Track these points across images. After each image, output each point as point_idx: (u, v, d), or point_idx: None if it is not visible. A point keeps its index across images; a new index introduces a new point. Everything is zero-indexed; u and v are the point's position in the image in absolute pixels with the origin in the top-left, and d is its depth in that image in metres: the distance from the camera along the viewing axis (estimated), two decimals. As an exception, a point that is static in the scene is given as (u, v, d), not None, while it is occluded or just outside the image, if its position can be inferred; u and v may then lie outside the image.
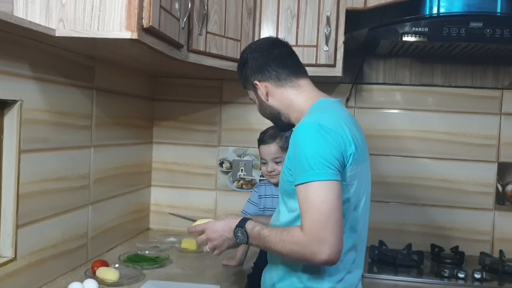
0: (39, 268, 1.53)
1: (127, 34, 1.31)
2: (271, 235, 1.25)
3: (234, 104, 2.34)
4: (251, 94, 1.48)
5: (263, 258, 1.56)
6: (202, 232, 1.43)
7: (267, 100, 1.42)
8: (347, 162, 1.23)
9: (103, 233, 1.95)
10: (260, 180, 2.22)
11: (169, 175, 2.41)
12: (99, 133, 1.87)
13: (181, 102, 2.39)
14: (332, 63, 1.92)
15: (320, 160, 1.18)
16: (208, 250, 1.41)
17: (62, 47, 1.56)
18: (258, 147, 1.82)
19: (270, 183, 1.85)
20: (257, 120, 2.22)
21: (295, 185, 1.21)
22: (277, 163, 1.78)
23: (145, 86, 2.34)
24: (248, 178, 2.33)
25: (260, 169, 1.90)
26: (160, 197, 2.43)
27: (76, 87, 1.70)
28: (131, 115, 2.18)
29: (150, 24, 1.34)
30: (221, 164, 2.37)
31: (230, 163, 2.36)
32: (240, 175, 2.35)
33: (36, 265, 1.51)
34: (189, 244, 2.05)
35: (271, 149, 1.77)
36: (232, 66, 1.88)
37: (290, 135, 1.81)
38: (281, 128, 1.51)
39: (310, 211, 1.16)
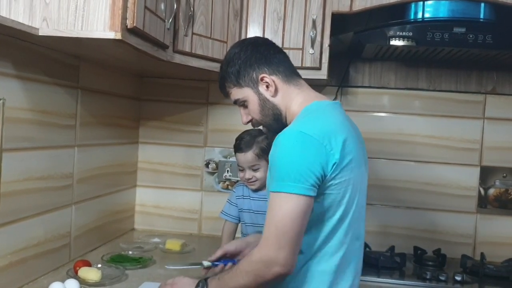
0: (20, 267, 1.52)
1: (111, 34, 1.31)
2: (228, 272, 1.24)
3: (221, 105, 2.34)
4: (244, 93, 1.33)
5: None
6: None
7: (275, 96, 1.31)
8: (328, 173, 1.16)
9: (86, 233, 1.94)
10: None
11: (155, 175, 2.40)
12: (83, 133, 1.86)
13: (168, 102, 2.39)
14: (318, 66, 1.93)
15: (293, 172, 1.13)
16: None
17: (46, 46, 1.55)
18: (235, 154, 1.81)
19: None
20: (243, 121, 2.24)
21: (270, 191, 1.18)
22: (254, 170, 1.77)
23: (132, 86, 2.33)
24: (234, 179, 2.33)
25: (238, 175, 1.89)
26: (145, 197, 2.42)
27: (60, 86, 1.69)
28: (116, 115, 2.17)
29: (134, 24, 1.34)
30: (207, 164, 2.37)
31: (216, 163, 2.36)
32: (226, 176, 2.35)
33: (17, 265, 1.50)
34: (173, 245, 2.05)
35: (248, 157, 1.76)
36: (218, 67, 1.86)
37: (263, 139, 1.81)
38: (274, 132, 1.33)
39: (269, 224, 1.15)
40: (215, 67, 1.88)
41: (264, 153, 1.76)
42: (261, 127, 1.44)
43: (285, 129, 1.21)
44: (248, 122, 1.40)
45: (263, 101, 1.32)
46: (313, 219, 1.19)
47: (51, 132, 1.65)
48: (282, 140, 1.18)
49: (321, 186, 1.17)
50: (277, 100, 1.32)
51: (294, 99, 1.32)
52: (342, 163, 1.18)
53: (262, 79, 1.31)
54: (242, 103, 1.37)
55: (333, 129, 1.20)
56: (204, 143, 2.37)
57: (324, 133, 1.17)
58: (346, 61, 2.25)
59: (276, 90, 1.31)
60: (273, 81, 1.31)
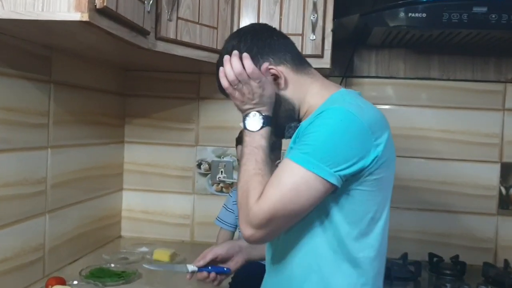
0: None
1: (76, 16, 1.11)
2: (260, 159, 1.08)
3: (213, 100, 2.15)
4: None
5: (245, 268, 1.38)
6: None
7: (286, 89, 1.14)
8: (368, 166, 1.01)
9: (64, 244, 1.74)
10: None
11: (143, 177, 2.21)
12: (58, 132, 1.66)
13: (155, 97, 2.20)
14: (320, 53, 1.73)
15: (328, 154, 0.97)
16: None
17: (8, 33, 1.35)
18: (235, 147, 1.65)
19: None
20: (239, 117, 2.04)
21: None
22: None
23: (115, 80, 2.13)
24: (228, 180, 2.14)
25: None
26: (132, 201, 2.23)
27: (28, 80, 1.49)
28: (98, 112, 1.97)
29: (105, 4, 1.14)
30: (199, 165, 2.18)
31: (209, 164, 2.17)
32: (219, 177, 2.15)
33: None
34: (161, 255, 1.86)
35: None
36: (208, 56, 1.69)
37: (273, 138, 1.64)
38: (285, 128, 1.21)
39: (275, 188, 0.99)
40: (204, 56, 1.69)
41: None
42: None
43: (327, 108, 1.03)
44: None
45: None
46: (345, 216, 1.04)
47: (18, 132, 1.45)
48: (326, 116, 1.01)
49: (355, 179, 1.02)
50: (288, 93, 1.15)
51: (309, 90, 1.15)
52: (382, 159, 1.03)
53: (268, 71, 1.13)
54: None
55: (379, 119, 1.06)
56: (196, 141, 2.18)
57: (372, 121, 1.02)
58: (350, 48, 2.06)
59: (285, 82, 1.15)
60: (281, 72, 1.14)
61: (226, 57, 1.13)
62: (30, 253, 1.55)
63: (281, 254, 1.11)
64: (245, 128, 1.12)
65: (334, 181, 0.98)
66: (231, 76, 1.12)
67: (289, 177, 0.99)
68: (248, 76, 1.10)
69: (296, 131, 1.10)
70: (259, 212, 0.99)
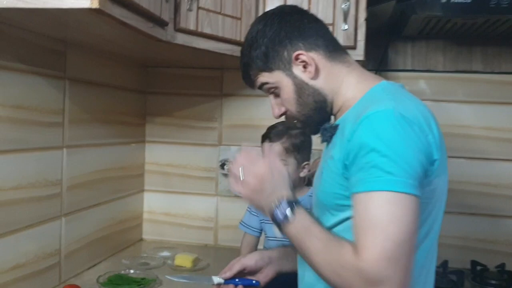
0: None
1: (86, 3, 1.01)
2: (319, 238, 0.90)
3: (237, 96, 2.03)
4: (275, 78, 1.04)
5: (275, 281, 1.25)
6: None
7: (316, 79, 1.02)
8: (431, 172, 0.88)
9: (81, 249, 1.66)
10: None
11: (164, 178, 2.12)
12: (73, 131, 1.58)
13: (177, 95, 2.10)
14: (352, 44, 1.60)
15: (401, 163, 0.83)
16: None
17: (18, 25, 1.27)
18: (261, 145, 1.54)
19: None
20: (264, 115, 1.94)
21: (352, 193, 0.88)
22: None
23: (135, 77, 2.04)
24: (253, 182, 2.02)
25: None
26: (154, 203, 2.14)
27: (41, 76, 1.41)
28: (117, 110, 1.88)
29: (116, -10, 1.04)
30: (222, 165, 2.06)
31: (233, 164, 2.05)
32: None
33: None
34: (183, 260, 1.76)
35: (274, 149, 1.50)
36: (231, 49, 1.58)
37: (298, 134, 1.53)
38: (315, 125, 1.07)
39: (372, 231, 0.82)
40: (227, 49, 1.58)
41: (294, 150, 1.51)
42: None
43: (369, 112, 0.88)
44: (281, 115, 1.09)
45: (299, 86, 1.03)
46: None
47: (30, 131, 1.37)
48: (376, 124, 0.87)
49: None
50: (319, 83, 1.02)
51: (344, 81, 1.02)
52: (437, 163, 0.90)
53: (297, 58, 1.02)
54: (273, 91, 1.07)
55: (429, 117, 0.92)
56: (219, 141, 2.07)
57: (423, 121, 0.89)
58: (383, 40, 1.91)
59: (317, 71, 1.02)
60: (312, 59, 1.01)
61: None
62: (45, 258, 1.47)
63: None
64: (280, 222, 0.96)
65: (418, 192, 0.85)
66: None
67: (379, 209, 0.83)
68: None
69: (335, 134, 0.99)
70: (372, 265, 0.81)
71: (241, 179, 1.02)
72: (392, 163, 0.83)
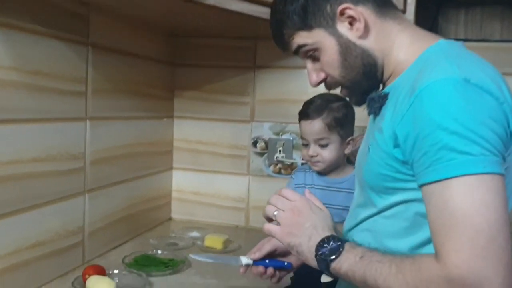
0: (17, 274, 1.19)
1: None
2: (381, 261, 0.77)
3: (271, 69, 1.90)
4: (315, 37, 0.89)
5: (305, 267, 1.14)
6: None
7: (365, 38, 0.87)
8: (508, 146, 0.74)
9: (106, 228, 1.58)
10: (302, 164, 1.80)
11: (193, 156, 2.02)
12: (97, 102, 1.48)
13: (206, 67, 1.98)
14: (402, 8, 1.44)
15: (476, 139, 0.69)
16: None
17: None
18: (299, 123, 1.42)
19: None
20: (301, 89, 1.80)
21: (421, 185, 0.74)
22: (321, 146, 1.38)
23: (162, 47, 1.93)
24: (287, 161, 1.90)
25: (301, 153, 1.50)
26: (183, 182, 2.05)
27: (62, 40, 1.31)
28: (143, 82, 1.78)
29: None
30: (254, 143, 1.95)
31: (266, 142, 1.94)
32: (277, 157, 1.92)
33: (13, 270, 1.18)
34: (213, 241, 1.67)
35: (315, 126, 1.37)
36: (267, 13, 1.38)
37: (340, 107, 1.38)
38: (361, 94, 0.93)
39: (456, 227, 0.69)
40: (263, 12, 1.42)
41: (337, 125, 1.37)
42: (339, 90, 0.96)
43: (428, 82, 0.74)
44: (319, 83, 0.94)
45: (345, 46, 0.88)
46: None
47: (51, 100, 1.28)
48: (437, 95, 0.73)
49: None
50: (369, 43, 0.87)
51: (396, 41, 0.88)
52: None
53: (342, 13, 0.87)
54: (311, 54, 0.92)
55: (500, 82, 0.77)
56: (251, 117, 1.95)
57: (495, 87, 0.75)
58: (433, 6, 1.75)
59: (366, 28, 0.87)
60: (361, 14, 0.86)
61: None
62: (68, 236, 1.39)
63: None
64: (327, 259, 0.84)
65: (502, 169, 0.72)
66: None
67: (460, 199, 0.70)
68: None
69: (385, 105, 0.85)
70: (464, 270, 0.68)
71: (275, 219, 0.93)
72: (465, 140, 0.70)
